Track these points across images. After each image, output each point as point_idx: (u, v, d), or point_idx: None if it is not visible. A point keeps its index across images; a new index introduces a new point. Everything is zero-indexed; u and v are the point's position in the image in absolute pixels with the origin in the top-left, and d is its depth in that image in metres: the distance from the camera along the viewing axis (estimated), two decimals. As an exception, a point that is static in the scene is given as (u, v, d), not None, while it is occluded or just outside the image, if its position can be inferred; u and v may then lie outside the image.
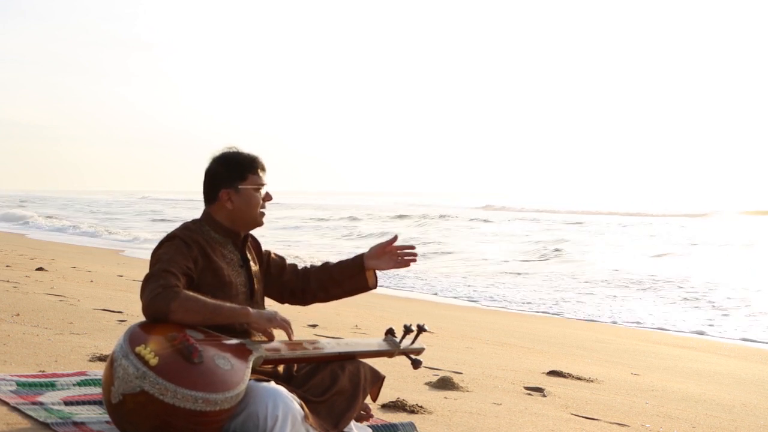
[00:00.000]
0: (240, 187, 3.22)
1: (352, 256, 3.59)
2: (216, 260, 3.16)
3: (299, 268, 3.54)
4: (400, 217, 43.75)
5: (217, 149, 3.32)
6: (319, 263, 3.63)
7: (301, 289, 3.50)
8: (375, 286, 3.54)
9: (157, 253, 3.11)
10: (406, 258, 3.50)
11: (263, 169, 3.31)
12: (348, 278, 3.50)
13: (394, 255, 3.49)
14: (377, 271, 3.53)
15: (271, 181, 3.36)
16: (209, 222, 3.25)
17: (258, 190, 3.26)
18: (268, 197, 3.31)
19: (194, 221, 3.28)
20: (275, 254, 3.53)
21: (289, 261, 3.57)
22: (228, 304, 3.03)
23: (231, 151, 3.29)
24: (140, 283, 3.03)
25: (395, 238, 3.49)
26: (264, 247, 3.50)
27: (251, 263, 3.34)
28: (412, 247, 3.52)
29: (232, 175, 3.23)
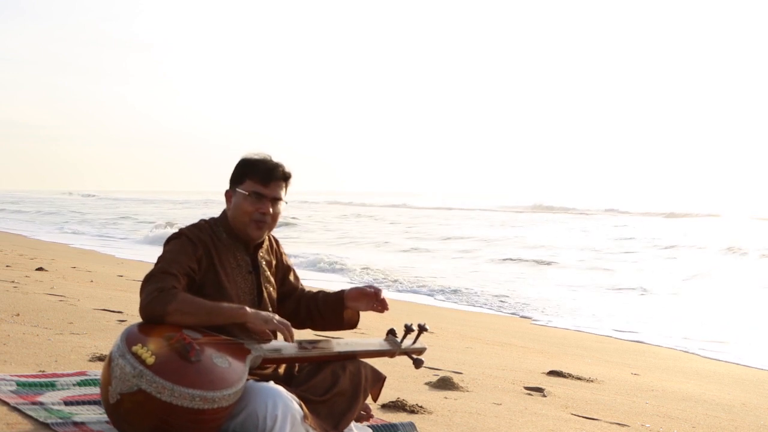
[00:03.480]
0: (237, 190, 3.19)
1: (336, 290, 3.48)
2: (217, 263, 3.13)
3: (304, 292, 3.44)
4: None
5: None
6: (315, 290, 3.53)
7: (294, 314, 3.39)
8: (354, 325, 3.44)
9: (163, 250, 3.10)
10: (380, 307, 3.36)
11: (273, 179, 3.16)
12: (330, 313, 3.40)
13: (372, 300, 3.34)
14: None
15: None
16: (223, 222, 3.22)
17: (249, 196, 3.15)
18: (264, 207, 3.15)
19: (210, 219, 3.23)
20: (294, 275, 3.45)
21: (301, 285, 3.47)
22: (226, 305, 3.01)
23: (255, 155, 3.21)
24: (140, 283, 3.03)
25: (377, 290, 3.34)
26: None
27: (263, 269, 3.28)
28: (384, 300, 3.37)
29: (235, 177, 3.21)
